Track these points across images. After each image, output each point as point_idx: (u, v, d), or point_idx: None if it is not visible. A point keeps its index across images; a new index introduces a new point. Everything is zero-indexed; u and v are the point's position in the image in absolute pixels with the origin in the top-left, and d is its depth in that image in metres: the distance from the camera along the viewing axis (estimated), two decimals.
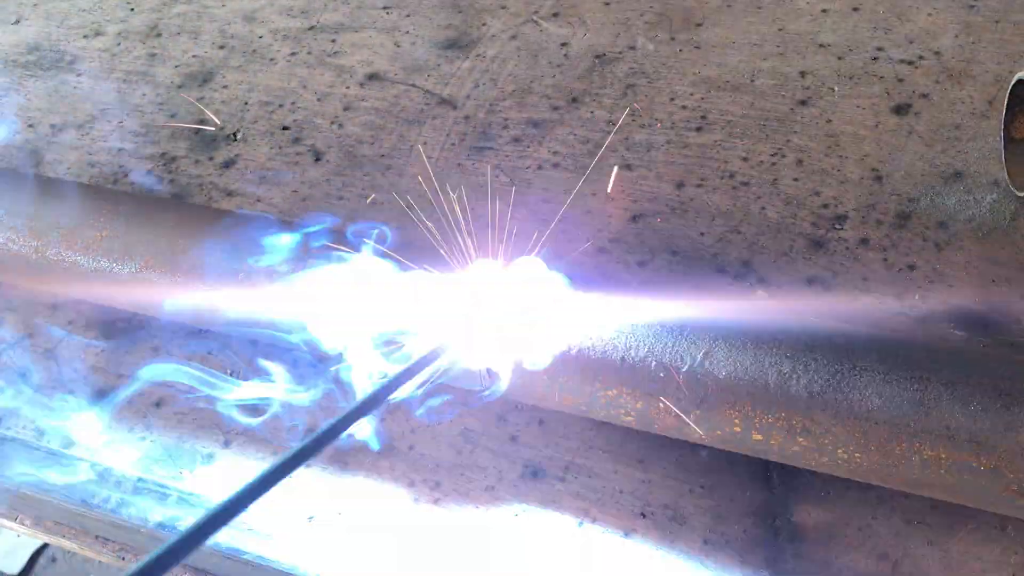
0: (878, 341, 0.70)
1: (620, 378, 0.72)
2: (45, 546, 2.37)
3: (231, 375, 0.95)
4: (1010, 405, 0.64)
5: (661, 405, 0.71)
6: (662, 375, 0.71)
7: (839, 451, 0.68)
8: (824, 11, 1.23)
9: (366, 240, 0.80)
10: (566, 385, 0.74)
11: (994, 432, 0.64)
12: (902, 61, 1.14)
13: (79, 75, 1.37)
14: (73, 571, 2.27)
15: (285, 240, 0.85)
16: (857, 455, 0.67)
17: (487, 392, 0.78)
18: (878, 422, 0.66)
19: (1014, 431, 0.63)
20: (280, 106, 1.26)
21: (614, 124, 1.13)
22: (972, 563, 0.72)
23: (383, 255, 0.80)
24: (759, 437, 0.70)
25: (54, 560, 2.33)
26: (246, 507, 0.48)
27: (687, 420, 0.71)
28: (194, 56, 1.36)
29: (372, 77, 1.28)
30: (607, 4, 1.32)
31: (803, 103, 1.12)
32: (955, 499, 0.69)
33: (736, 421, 0.70)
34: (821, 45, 1.18)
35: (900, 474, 0.67)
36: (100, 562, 2.45)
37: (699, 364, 0.70)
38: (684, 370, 0.70)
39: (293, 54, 1.33)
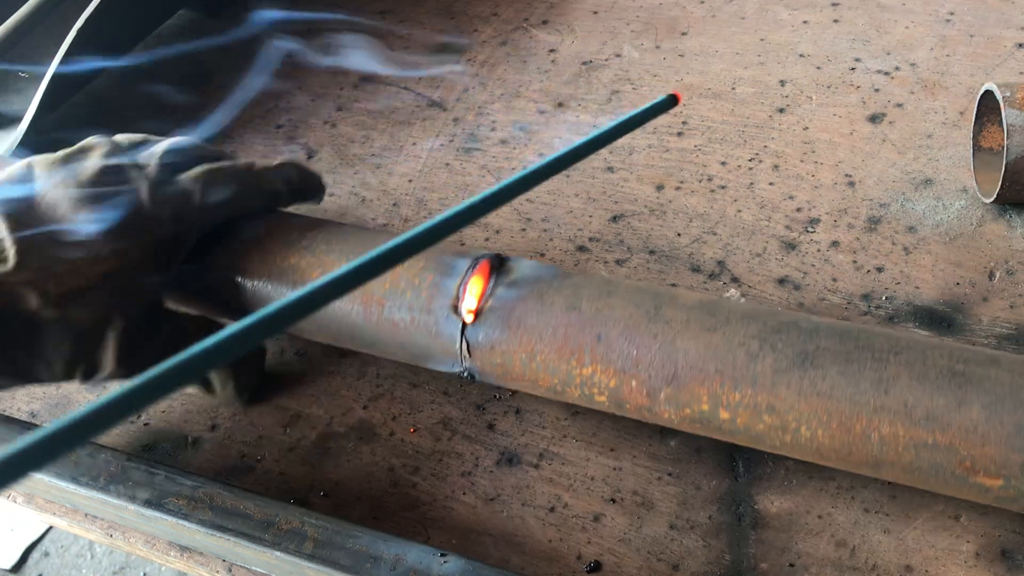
0: (842, 327, 0.73)
1: (594, 356, 0.75)
2: (38, 541, 2.39)
3: None
4: (963, 384, 0.67)
5: (633, 383, 0.74)
6: (635, 352, 0.74)
7: (803, 428, 0.71)
8: (805, 23, 1.27)
9: None
10: (543, 363, 0.77)
11: (948, 409, 0.67)
12: (879, 72, 1.18)
13: None
14: (66, 565, 2.30)
15: None
16: (819, 432, 0.70)
17: (464, 373, 0.81)
18: (840, 399, 0.69)
19: (967, 407, 0.66)
20: (275, 105, 1.30)
21: (598, 128, 1.17)
22: (926, 550, 0.75)
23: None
24: (726, 415, 0.73)
25: (47, 554, 2.35)
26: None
27: (657, 398, 0.74)
28: None
29: (365, 79, 1.31)
30: (595, 13, 1.36)
31: (781, 111, 1.15)
32: (912, 480, 0.71)
33: (704, 399, 0.73)
34: (801, 55, 1.22)
35: (860, 453, 0.70)
36: (92, 557, 2.46)
37: (670, 342, 0.73)
38: (656, 348, 0.73)
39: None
